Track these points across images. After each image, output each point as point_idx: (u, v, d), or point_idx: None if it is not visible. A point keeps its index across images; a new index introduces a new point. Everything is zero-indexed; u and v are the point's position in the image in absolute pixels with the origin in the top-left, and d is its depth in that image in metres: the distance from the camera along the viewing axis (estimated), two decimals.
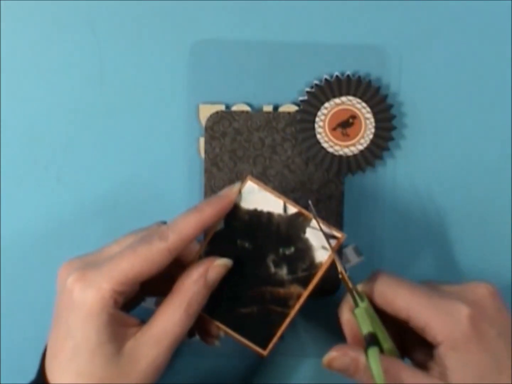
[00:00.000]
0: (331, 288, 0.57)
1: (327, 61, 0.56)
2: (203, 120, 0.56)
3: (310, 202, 0.50)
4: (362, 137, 0.56)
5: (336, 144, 0.56)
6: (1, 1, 0.55)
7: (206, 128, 0.56)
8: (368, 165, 0.56)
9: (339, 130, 0.55)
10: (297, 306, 0.51)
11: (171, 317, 0.48)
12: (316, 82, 0.55)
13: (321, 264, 0.50)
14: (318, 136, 0.55)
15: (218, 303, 0.52)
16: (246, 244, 0.51)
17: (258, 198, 0.50)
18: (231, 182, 0.56)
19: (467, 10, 0.56)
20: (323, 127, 0.55)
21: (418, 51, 0.56)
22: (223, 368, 0.59)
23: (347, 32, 0.56)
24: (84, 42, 0.56)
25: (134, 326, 0.48)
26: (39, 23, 0.55)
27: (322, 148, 0.56)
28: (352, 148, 0.56)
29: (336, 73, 0.55)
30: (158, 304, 0.54)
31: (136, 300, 0.53)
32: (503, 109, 0.57)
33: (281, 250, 0.51)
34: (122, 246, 0.49)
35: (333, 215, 0.57)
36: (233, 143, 0.56)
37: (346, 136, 0.55)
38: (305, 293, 0.51)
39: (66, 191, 0.58)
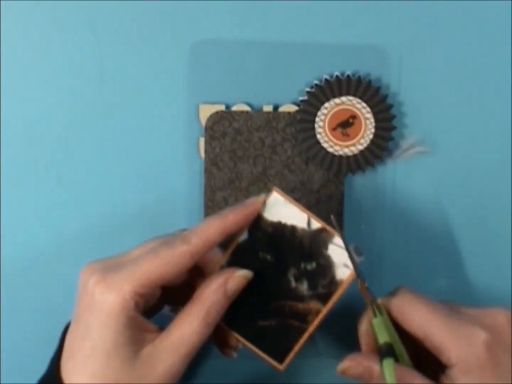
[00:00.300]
0: None
1: (327, 61, 0.56)
2: (203, 120, 0.56)
3: (332, 216, 0.50)
4: (362, 137, 0.56)
5: (336, 144, 0.56)
6: (1, 1, 0.55)
7: (206, 128, 0.56)
8: (368, 165, 0.56)
9: (339, 130, 0.55)
10: (315, 322, 0.51)
11: (189, 325, 0.48)
12: (316, 82, 0.55)
13: (342, 281, 0.50)
14: (318, 136, 0.55)
15: (237, 314, 0.52)
16: (268, 257, 0.51)
17: (283, 210, 0.50)
18: (231, 182, 0.56)
19: (467, 10, 0.56)
20: (323, 127, 0.55)
21: (418, 51, 0.56)
22: (225, 368, 0.59)
23: (347, 32, 0.56)
24: (84, 42, 0.56)
25: (152, 332, 0.48)
26: (39, 23, 0.55)
27: (322, 148, 0.56)
28: (352, 148, 0.56)
29: (336, 73, 0.55)
30: (174, 310, 0.54)
31: (156, 308, 0.53)
32: (503, 109, 0.57)
33: (302, 265, 0.51)
34: (144, 250, 0.49)
35: (333, 215, 0.57)
36: (233, 143, 0.56)
37: (346, 136, 0.55)
38: (324, 310, 0.51)
39: (66, 191, 0.58)
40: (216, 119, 0.56)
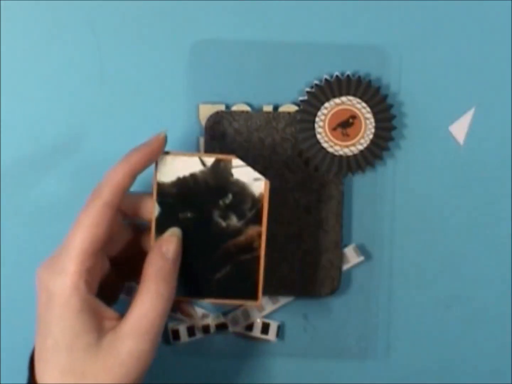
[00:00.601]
0: (330, 289, 0.57)
1: (327, 61, 0.56)
2: (203, 120, 0.56)
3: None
4: (362, 137, 0.56)
5: (336, 144, 0.56)
6: (1, 1, 0.55)
7: (206, 128, 0.56)
8: (368, 165, 0.56)
9: (339, 130, 0.55)
10: (263, 244, 0.51)
11: (143, 303, 0.47)
12: (316, 82, 0.55)
13: (262, 194, 0.50)
14: (318, 136, 0.55)
15: (192, 282, 0.51)
16: (188, 214, 0.51)
17: (174, 166, 0.50)
18: None
19: (467, 10, 0.56)
20: (323, 127, 0.55)
21: (418, 51, 0.56)
22: (224, 368, 0.59)
23: (347, 32, 0.56)
24: (84, 42, 0.56)
25: (112, 319, 0.47)
26: (39, 23, 0.55)
27: (322, 148, 0.56)
28: (352, 148, 0.56)
29: (336, 73, 0.55)
30: (130, 294, 0.54)
31: (114, 293, 0.53)
32: (503, 108, 0.57)
33: (221, 202, 0.51)
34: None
35: (333, 215, 0.57)
36: (233, 143, 0.56)
37: (346, 136, 0.55)
38: (264, 228, 0.51)
39: (66, 190, 0.58)
40: (216, 119, 0.56)
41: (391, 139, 0.56)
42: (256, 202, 0.51)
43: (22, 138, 0.57)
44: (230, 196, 0.50)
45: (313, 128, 0.55)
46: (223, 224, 0.51)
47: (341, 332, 0.59)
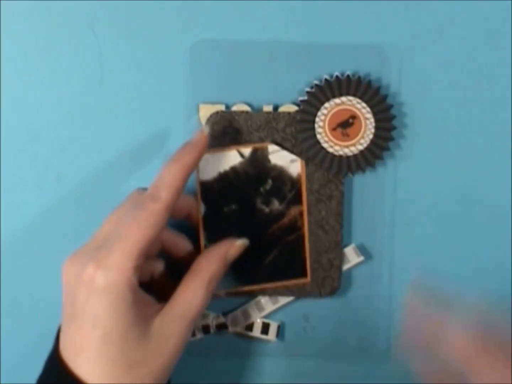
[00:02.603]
0: (330, 289, 0.57)
1: (327, 61, 0.56)
2: (203, 120, 0.56)
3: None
4: (362, 137, 0.56)
5: (336, 144, 0.56)
6: (1, 1, 0.55)
7: None
8: (368, 165, 0.56)
9: (339, 130, 0.55)
10: (305, 223, 0.53)
11: (193, 293, 0.50)
12: (316, 82, 0.55)
13: (299, 175, 0.51)
14: (318, 136, 0.55)
15: (243, 270, 0.54)
16: (233, 206, 0.52)
17: (214, 162, 0.52)
18: None
19: (467, 10, 0.56)
20: (323, 127, 0.55)
21: (418, 51, 0.56)
22: (224, 368, 0.59)
23: (347, 32, 0.56)
24: (84, 42, 0.56)
25: (153, 304, 0.49)
26: (39, 23, 0.55)
27: (322, 148, 0.56)
28: (352, 148, 0.56)
29: (336, 73, 0.55)
30: None
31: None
32: (503, 108, 0.57)
33: (262, 189, 0.52)
34: (114, 223, 0.49)
35: (333, 215, 0.57)
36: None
37: (346, 136, 0.55)
38: (304, 207, 0.53)
39: (66, 191, 0.58)
40: (216, 119, 0.56)
41: (391, 139, 0.56)
42: (294, 182, 0.53)
43: (22, 138, 0.57)
44: (269, 181, 0.52)
45: (313, 128, 0.55)
46: (266, 209, 0.52)
47: (341, 332, 0.59)
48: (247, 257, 0.53)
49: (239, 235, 0.53)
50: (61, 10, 0.55)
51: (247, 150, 0.52)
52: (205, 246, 0.54)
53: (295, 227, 0.53)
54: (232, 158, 0.52)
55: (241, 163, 0.52)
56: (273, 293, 0.57)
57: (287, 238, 0.54)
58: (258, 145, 0.52)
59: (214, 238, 0.54)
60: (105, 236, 0.49)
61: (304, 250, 0.54)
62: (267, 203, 0.52)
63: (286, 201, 0.53)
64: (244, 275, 0.54)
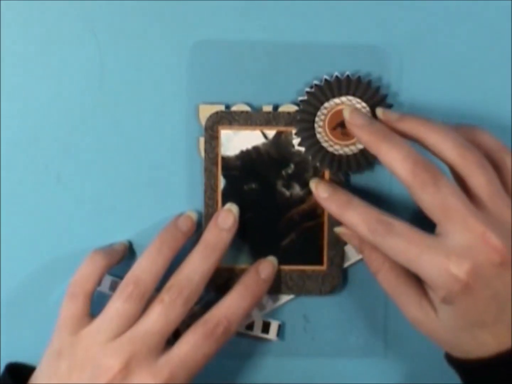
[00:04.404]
0: (331, 287, 0.57)
1: (327, 61, 0.56)
2: (203, 120, 0.56)
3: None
4: None
5: (335, 144, 0.56)
6: (1, 1, 0.55)
7: (206, 128, 0.56)
8: (367, 164, 0.56)
9: (338, 129, 0.55)
10: (325, 210, 0.54)
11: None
12: (316, 82, 0.55)
13: None
14: (318, 136, 0.55)
15: (258, 250, 0.55)
16: (253, 185, 0.53)
17: (237, 140, 0.53)
18: None
19: (467, 9, 0.56)
20: (322, 127, 0.55)
21: (418, 51, 0.56)
22: (224, 368, 0.59)
23: (347, 32, 0.56)
24: (84, 42, 0.55)
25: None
26: (39, 23, 0.55)
27: (322, 147, 0.56)
28: (352, 148, 0.56)
29: (336, 73, 0.55)
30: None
31: None
32: (503, 108, 0.57)
33: (283, 173, 0.53)
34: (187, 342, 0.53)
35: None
36: None
37: (345, 136, 0.55)
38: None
39: (66, 191, 0.58)
40: (216, 119, 0.56)
41: None
42: (317, 170, 0.54)
43: (22, 138, 0.57)
44: (292, 166, 0.53)
45: (313, 128, 0.55)
46: (287, 193, 0.53)
47: (342, 330, 0.59)
48: (263, 237, 0.54)
49: (256, 214, 0.54)
50: (61, 10, 0.55)
51: (271, 133, 0.52)
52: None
53: (314, 214, 0.54)
54: (255, 138, 0.53)
55: (264, 144, 0.53)
56: (274, 291, 0.57)
57: (306, 224, 0.54)
58: (282, 128, 0.53)
59: None
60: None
61: (322, 237, 0.55)
62: (288, 187, 0.53)
63: (308, 187, 0.54)
64: (260, 254, 0.55)
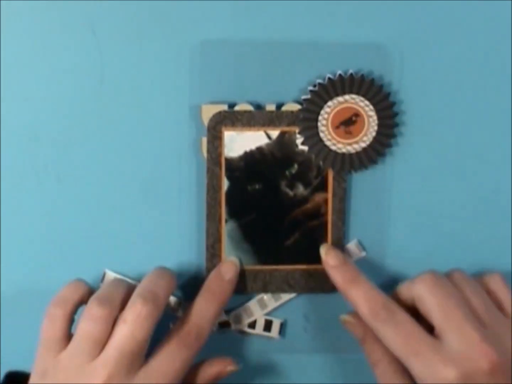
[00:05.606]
0: (333, 285, 0.57)
1: (330, 60, 0.55)
2: (206, 120, 0.55)
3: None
4: (365, 134, 0.56)
5: (339, 142, 0.56)
6: (1, 1, 0.54)
7: (209, 128, 0.55)
8: (371, 163, 0.56)
9: (342, 128, 0.55)
10: (329, 210, 0.55)
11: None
12: (319, 81, 0.55)
13: None
14: (321, 135, 0.55)
15: (262, 250, 0.55)
16: (256, 186, 0.53)
17: (240, 141, 0.53)
18: None
19: (468, 8, 0.56)
20: (326, 126, 0.55)
21: (421, 49, 0.56)
22: None
23: (350, 30, 0.56)
24: (84, 42, 0.55)
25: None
26: (39, 23, 0.55)
27: (325, 146, 0.56)
28: (355, 146, 0.56)
29: (339, 71, 0.55)
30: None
31: None
32: (504, 107, 0.57)
33: (287, 173, 0.53)
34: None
35: (335, 213, 0.57)
36: None
37: (349, 134, 0.55)
38: (329, 195, 0.54)
39: (66, 191, 0.57)
40: (219, 119, 0.55)
41: (394, 136, 0.56)
42: (321, 170, 0.54)
43: (22, 138, 0.56)
44: (295, 166, 0.53)
45: (316, 127, 0.55)
46: (291, 193, 0.53)
47: (344, 328, 0.59)
48: (267, 237, 0.54)
49: (260, 214, 0.54)
50: (61, 10, 0.54)
51: (274, 133, 0.52)
52: (226, 221, 0.55)
53: (318, 214, 0.54)
54: (258, 138, 0.53)
55: (267, 145, 0.53)
56: (276, 290, 0.57)
57: (310, 224, 0.55)
58: (286, 128, 0.53)
59: (236, 214, 0.55)
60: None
61: (326, 237, 0.55)
62: (292, 186, 0.54)
63: (312, 187, 0.54)
64: (263, 254, 0.55)
